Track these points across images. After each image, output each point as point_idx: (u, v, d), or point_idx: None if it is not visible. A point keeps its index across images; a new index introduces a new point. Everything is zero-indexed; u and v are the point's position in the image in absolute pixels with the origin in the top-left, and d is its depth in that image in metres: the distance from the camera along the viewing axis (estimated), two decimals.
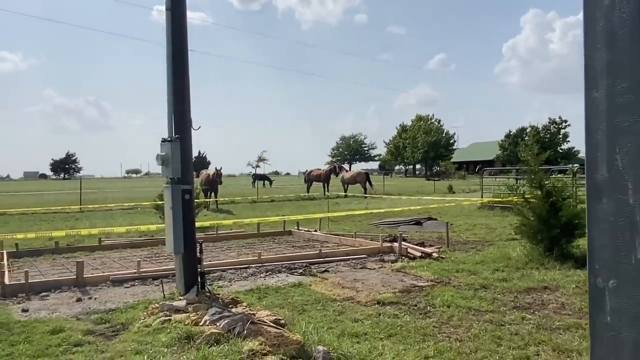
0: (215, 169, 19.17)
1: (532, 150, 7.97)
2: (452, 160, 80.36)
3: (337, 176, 28.80)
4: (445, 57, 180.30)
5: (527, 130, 72.15)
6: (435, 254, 7.95)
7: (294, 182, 58.55)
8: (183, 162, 5.25)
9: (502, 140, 76.10)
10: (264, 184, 42.81)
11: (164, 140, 5.30)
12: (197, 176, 20.25)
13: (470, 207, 16.64)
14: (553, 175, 12.35)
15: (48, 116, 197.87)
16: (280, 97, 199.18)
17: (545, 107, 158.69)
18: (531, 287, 5.84)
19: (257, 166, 60.60)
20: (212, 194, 19.31)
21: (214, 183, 19.21)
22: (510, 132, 75.52)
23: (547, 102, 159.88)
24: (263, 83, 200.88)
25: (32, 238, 10.51)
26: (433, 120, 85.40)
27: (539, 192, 7.45)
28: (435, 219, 13.51)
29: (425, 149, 79.99)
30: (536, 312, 4.87)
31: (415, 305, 5.18)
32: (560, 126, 69.34)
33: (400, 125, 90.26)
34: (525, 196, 7.74)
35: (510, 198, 13.43)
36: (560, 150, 67.76)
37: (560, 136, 69.11)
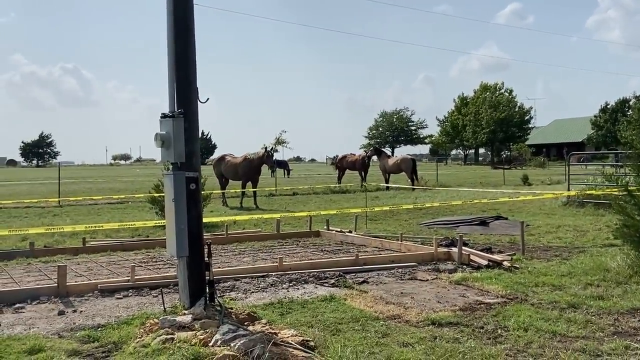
0: (265, 149, 19.09)
1: (638, 128, 7.75)
2: (527, 142, 78.84)
3: (363, 163, 28.66)
4: (519, 8, 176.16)
5: (631, 103, 69.80)
6: (506, 263, 7.88)
7: (322, 170, 58.78)
8: (188, 143, 5.35)
9: (595, 117, 74.04)
10: (284, 173, 43.22)
11: (164, 116, 5.41)
12: (216, 163, 20.22)
13: (552, 204, 16.36)
14: None
15: (16, 88, 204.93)
16: (304, 63, 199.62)
17: None
18: (637, 308, 5.72)
19: (275, 150, 60.94)
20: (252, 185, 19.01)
21: (256, 170, 18.83)
22: (607, 105, 73.37)
23: None
24: (282, 46, 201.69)
25: (1, 237, 10.97)
26: (502, 91, 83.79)
27: None
28: (506, 219, 13.34)
29: (492, 128, 78.55)
30: None
31: (482, 328, 5.16)
32: None
33: (459, 97, 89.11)
34: (629, 188, 7.56)
35: (607, 191, 13.08)
36: None
37: None
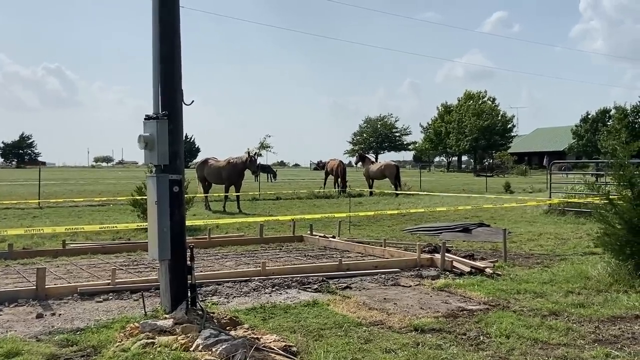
0: (249, 154, 18.76)
1: (620, 138, 7.87)
2: (509, 150, 79.68)
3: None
4: (505, 16, 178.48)
5: (611, 113, 70.95)
6: (489, 270, 7.92)
7: (305, 174, 58.76)
8: (172, 146, 5.31)
9: (576, 126, 75.04)
10: (268, 177, 43.10)
11: (148, 118, 5.37)
12: (199, 167, 20.08)
13: (534, 211, 16.51)
14: None
15: None
16: (289, 67, 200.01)
17: (638, 82, 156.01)
18: (617, 316, 5.77)
19: (259, 155, 60.56)
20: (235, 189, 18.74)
21: (239, 174, 18.63)
22: (588, 114, 74.44)
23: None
24: (268, 50, 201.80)
25: None
26: (486, 99, 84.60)
27: (629, 193, 7.35)
28: (488, 226, 13.44)
29: (475, 136, 79.28)
30: (625, 348, 4.81)
31: (464, 334, 5.18)
32: None
33: (442, 105, 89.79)
34: (610, 197, 7.65)
35: (588, 200, 13.26)
36: None
37: None
